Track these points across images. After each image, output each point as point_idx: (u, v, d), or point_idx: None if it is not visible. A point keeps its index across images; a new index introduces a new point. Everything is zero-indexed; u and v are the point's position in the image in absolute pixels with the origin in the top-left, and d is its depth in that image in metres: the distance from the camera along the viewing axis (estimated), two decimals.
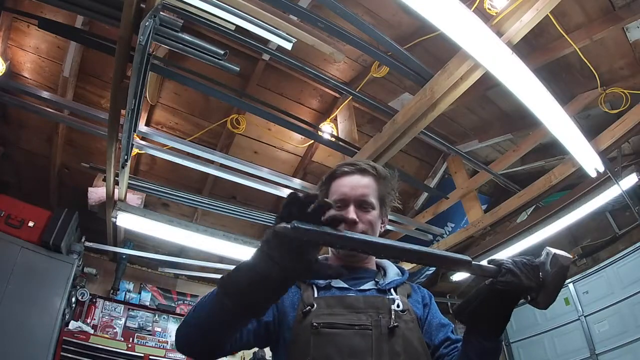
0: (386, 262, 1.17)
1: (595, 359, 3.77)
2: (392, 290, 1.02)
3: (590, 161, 2.73)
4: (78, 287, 3.72)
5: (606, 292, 3.83)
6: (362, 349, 0.87)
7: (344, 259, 1.08)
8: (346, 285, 1.01)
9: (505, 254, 3.79)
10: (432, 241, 4.14)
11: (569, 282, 4.16)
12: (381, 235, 1.11)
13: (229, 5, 2.14)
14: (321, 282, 1.01)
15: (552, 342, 4.23)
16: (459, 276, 4.24)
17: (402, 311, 0.95)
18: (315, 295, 0.98)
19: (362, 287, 1.01)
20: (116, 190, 3.04)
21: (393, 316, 0.92)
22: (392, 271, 1.12)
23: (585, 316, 3.96)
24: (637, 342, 3.47)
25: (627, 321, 3.59)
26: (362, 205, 1.04)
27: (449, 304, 5.04)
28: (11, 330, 2.91)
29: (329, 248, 1.08)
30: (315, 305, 0.94)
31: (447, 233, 4.19)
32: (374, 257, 1.14)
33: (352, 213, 1.01)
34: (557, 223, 3.34)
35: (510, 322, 3.79)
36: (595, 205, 3.15)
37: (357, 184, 1.06)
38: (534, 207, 3.67)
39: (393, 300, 0.98)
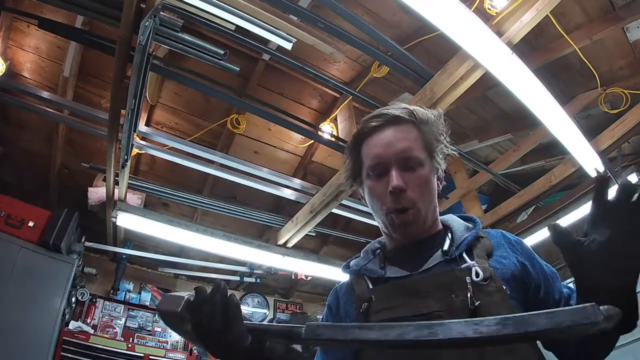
0: (450, 218, 0.92)
1: None
2: (464, 254, 0.79)
3: (590, 161, 2.73)
4: (78, 287, 3.72)
5: None
6: None
7: (404, 238, 0.85)
8: (405, 272, 0.81)
9: None
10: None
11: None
12: None
13: (229, 5, 2.14)
14: (373, 274, 0.84)
15: None
16: None
17: (484, 281, 0.73)
18: (370, 286, 0.82)
19: (425, 267, 0.80)
20: (116, 190, 3.04)
21: (471, 292, 0.71)
22: (460, 227, 0.87)
23: None
24: (637, 342, 3.47)
25: None
26: (407, 164, 0.81)
27: None
28: (11, 330, 2.91)
29: (383, 229, 0.89)
30: (373, 297, 0.78)
31: None
32: (437, 215, 0.89)
33: (395, 179, 0.79)
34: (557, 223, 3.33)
35: None
36: None
37: (393, 138, 0.82)
38: (534, 207, 3.67)
39: (469, 269, 0.75)
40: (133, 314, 4.10)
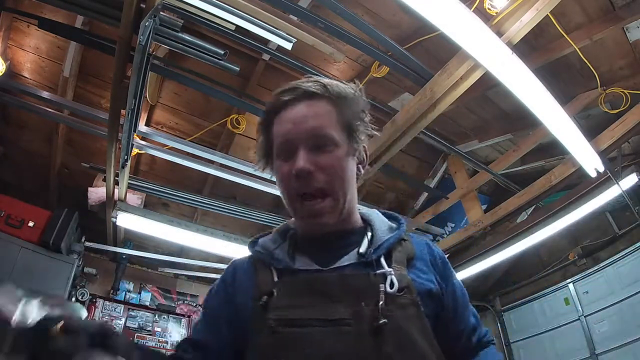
0: (373, 214, 0.84)
1: (595, 359, 3.77)
2: (382, 258, 0.72)
3: (590, 161, 2.73)
4: (78, 287, 3.72)
5: (606, 292, 3.83)
6: (338, 354, 0.63)
7: (313, 230, 0.77)
8: (316, 267, 0.73)
9: (505, 254, 3.79)
10: (432, 241, 4.14)
11: (569, 282, 4.16)
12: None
13: (229, 5, 2.14)
14: (280, 264, 0.75)
15: (552, 342, 4.23)
16: (459, 276, 4.23)
17: (399, 291, 0.68)
18: (275, 279, 0.73)
19: (339, 264, 0.73)
20: (116, 190, 3.04)
21: (382, 302, 0.65)
22: (382, 226, 0.79)
23: (585, 316, 3.96)
24: (637, 342, 3.46)
25: (627, 321, 3.58)
26: (319, 143, 0.72)
27: None
28: None
29: (292, 212, 0.80)
30: (275, 292, 0.69)
31: (447, 233, 4.19)
32: (355, 206, 0.80)
33: (301, 160, 0.71)
34: (557, 223, 3.34)
35: (510, 322, 3.83)
36: (595, 205, 3.15)
37: (304, 114, 0.74)
38: (534, 207, 3.67)
39: (384, 277, 0.69)
40: (133, 314, 4.10)
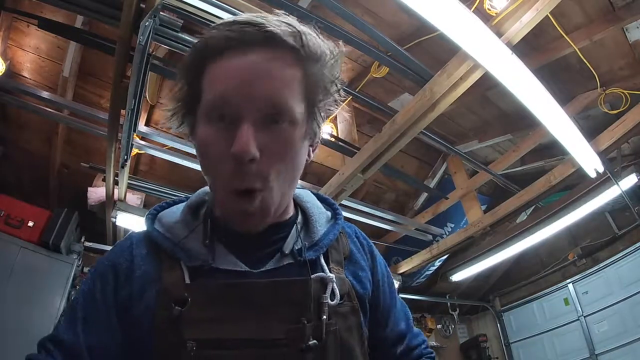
0: (307, 197, 0.68)
1: (595, 359, 3.77)
2: (321, 258, 0.60)
3: (589, 161, 2.73)
4: (78, 287, 3.72)
5: (606, 292, 3.83)
6: None
7: (241, 229, 0.58)
8: (242, 268, 0.57)
9: (505, 254, 3.79)
10: (432, 241, 4.15)
11: (569, 282, 4.16)
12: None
13: (229, 5, 2.14)
14: (193, 261, 0.57)
15: (552, 342, 4.23)
16: (459, 276, 4.24)
17: (340, 298, 0.57)
18: (187, 280, 0.56)
19: (272, 266, 0.58)
20: (116, 190, 3.05)
21: (325, 317, 0.54)
22: (320, 218, 0.65)
23: (584, 316, 3.96)
24: (637, 342, 3.47)
25: (627, 321, 3.59)
26: (271, 116, 0.51)
27: (449, 304, 5.05)
28: (11, 330, 2.91)
29: (215, 197, 0.61)
30: (190, 300, 0.53)
31: (447, 233, 4.19)
32: (290, 196, 0.63)
33: (244, 136, 0.49)
34: (557, 223, 3.34)
35: (510, 322, 3.85)
36: (595, 206, 3.16)
37: (260, 69, 0.50)
38: (533, 207, 3.67)
39: (324, 283, 0.57)
40: None
